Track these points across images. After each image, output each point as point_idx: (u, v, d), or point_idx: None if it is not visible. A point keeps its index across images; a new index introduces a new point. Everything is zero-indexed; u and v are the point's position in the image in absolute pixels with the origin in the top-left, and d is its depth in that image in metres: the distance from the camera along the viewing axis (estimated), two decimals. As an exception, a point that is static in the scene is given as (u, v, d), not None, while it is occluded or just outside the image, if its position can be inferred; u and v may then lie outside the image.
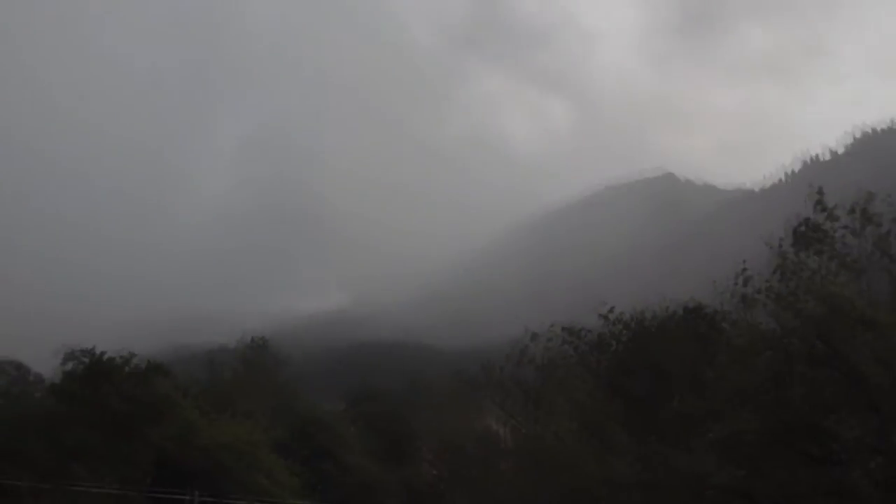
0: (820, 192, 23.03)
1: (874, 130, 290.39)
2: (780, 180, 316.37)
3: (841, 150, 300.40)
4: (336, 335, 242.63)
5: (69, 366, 34.21)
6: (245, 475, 33.35)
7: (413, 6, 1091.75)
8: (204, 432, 34.30)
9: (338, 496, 43.61)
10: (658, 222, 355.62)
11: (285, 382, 65.10)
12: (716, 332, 29.89)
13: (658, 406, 28.42)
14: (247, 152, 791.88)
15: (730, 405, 23.62)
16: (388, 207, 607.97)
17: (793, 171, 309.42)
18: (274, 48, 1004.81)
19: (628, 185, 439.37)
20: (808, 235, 22.85)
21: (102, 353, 33.99)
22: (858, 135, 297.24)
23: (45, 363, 43.95)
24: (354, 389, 78.78)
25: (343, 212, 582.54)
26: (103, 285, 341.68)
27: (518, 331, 44.76)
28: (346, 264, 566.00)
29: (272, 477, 35.14)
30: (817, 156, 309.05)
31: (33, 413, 32.64)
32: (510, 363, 39.60)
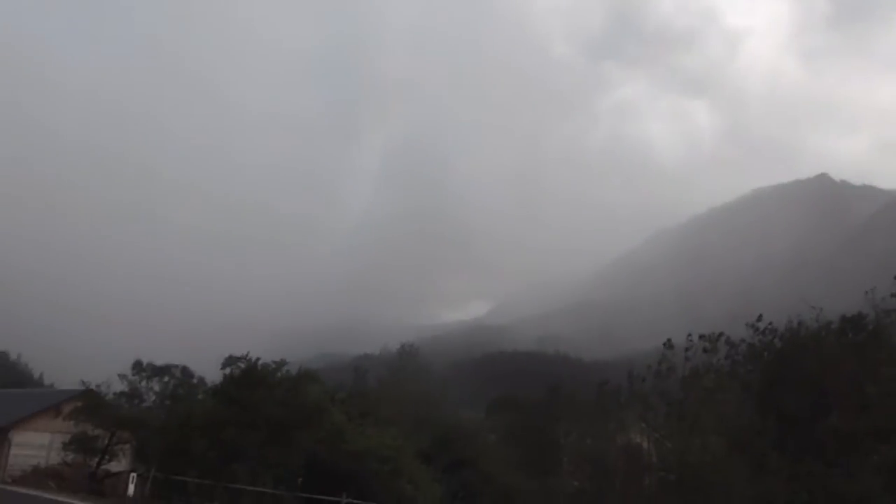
0: None
1: None
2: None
3: None
4: (475, 344, 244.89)
5: (227, 371, 36.52)
6: (389, 480, 34.16)
7: (550, 18, 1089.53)
8: (350, 437, 35.50)
9: (478, 504, 43.92)
10: (813, 226, 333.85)
11: (427, 390, 66.49)
12: (878, 344, 27.72)
13: (814, 423, 26.69)
14: (389, 167, 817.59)
15: (897, 424, 21.86)
16: (528, 217, 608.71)
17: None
18: (414, 63, 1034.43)
19: (779, 189, 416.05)
20: None
21: (257, 359, 36.05)
22: None
23: (208, 367, 47.26)
24: (494, 398, 79.09)
25: (483, 223, 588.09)
26: (260, 298, 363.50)
27: (663, 341, 43.41)
28: (485, 274, 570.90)
29: (415, 482, 35.84)
30: None
31: (196, 413, 34.97)
32: (651, 374, 38.49)
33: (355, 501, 27.37)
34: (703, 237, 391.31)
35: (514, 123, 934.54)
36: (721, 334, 35.07)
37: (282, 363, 36.24)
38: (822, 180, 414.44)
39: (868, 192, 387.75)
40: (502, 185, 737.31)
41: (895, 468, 21.55)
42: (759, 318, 33.26)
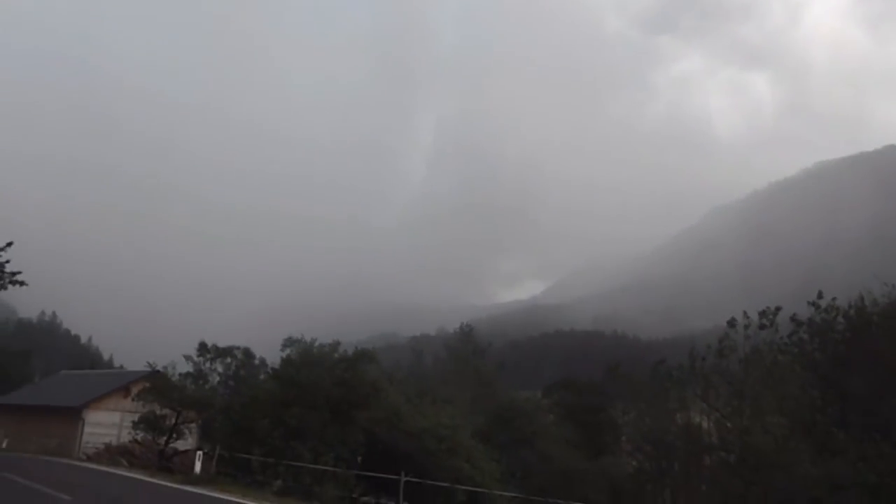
0: None
1: None
2: None
3: None
4: (532, 324, 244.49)
5: (286, 352, 37.29)
6: (447, 459, 34.42)
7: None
8: (407, 417, 35.89)
9: (536, 483, 43.95)
10: (880, 200, 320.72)
11: (484, 370, 66.64)
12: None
13: (881, 403, 25.87)
14: (444, 145, 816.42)
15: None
16: (583, 194, 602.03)
17: None
18: (466, 38, 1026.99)
19: (845, 161, 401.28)
20: None
21: (314, 340, 36.72)
22: None
23: (269, 348, 48.42)
24: (551, 377, 78.96)
25: (539, 201, 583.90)
26: (317, 279, 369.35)
27: (725, 319, 42.60)
28: (542, 254, 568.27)
29: (472, 461, 36.03)
30: None
31: (258, 394, 35.80)
32: (711, 353, 37.79)
33: (414, 479, 27.72)
34: (764, 213, 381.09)
35: (568, 100, 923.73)
36: (778, 309, 34.20)
37: (336, 344, 36.77)
38: (891, 151, 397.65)
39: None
40: (557, 164, 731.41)
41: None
42: (820, 294, 32.28)
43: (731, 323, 36.61)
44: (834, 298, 32.02)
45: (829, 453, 26.89)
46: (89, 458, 42.34)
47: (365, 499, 30.61)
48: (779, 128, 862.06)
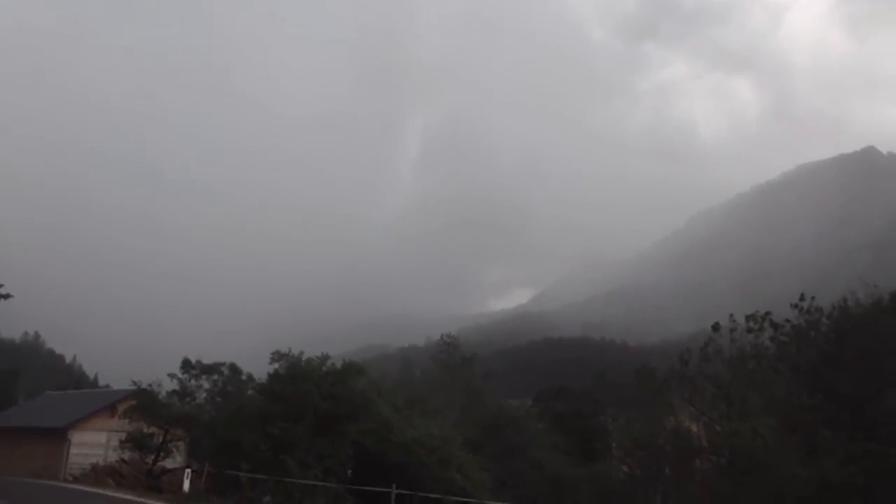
0: None
1: None
2: None
3: None
4: (520, 332, 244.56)
5: (274, 366, 37.04)
6: (438, 470, 34.28)
7: (585, 3, 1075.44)
8: (397, 428, 35.71)
9: (527, 492, 43.88)
10: (859, 201, 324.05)
11: (473, 379, 66.50)
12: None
13: (867, 403, 26.06)
14: (429, 157, 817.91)
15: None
16: (568, 205, 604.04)
17: None
18: (450, 50, 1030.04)
19: (823, 164, 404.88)
20: None
21: (301, 353, 36.50)
22: None
23: (257, 364, 48.04)
24: (540, 385, 78.96)
25: (522, 208, 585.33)
26: (304, 293, 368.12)
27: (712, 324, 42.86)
28: (529, 262, 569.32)
29: (463, 472, 35.89)
30: None
31: (246, 409, 35.54)
32: (696, 357, 38.02)
33: (405, 492, 27.59)
34: (747, 216, 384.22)
35: (554, 108, 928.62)
36: (768, 314, 34.49)
37: (325, 357, 36.56)
38: (870, 153, 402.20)
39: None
40: (541, 172, 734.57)
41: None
42: (802, 297, 32.61)
43: (716, 327, 36.89)
44: (813, 298, 32.37)
45: (817, 453, 27.03)
46: (76, 480, 41.82)
47: (356, 512, 30.43)
48: (762, 131, 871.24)
